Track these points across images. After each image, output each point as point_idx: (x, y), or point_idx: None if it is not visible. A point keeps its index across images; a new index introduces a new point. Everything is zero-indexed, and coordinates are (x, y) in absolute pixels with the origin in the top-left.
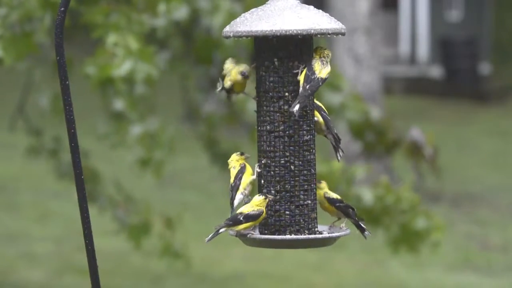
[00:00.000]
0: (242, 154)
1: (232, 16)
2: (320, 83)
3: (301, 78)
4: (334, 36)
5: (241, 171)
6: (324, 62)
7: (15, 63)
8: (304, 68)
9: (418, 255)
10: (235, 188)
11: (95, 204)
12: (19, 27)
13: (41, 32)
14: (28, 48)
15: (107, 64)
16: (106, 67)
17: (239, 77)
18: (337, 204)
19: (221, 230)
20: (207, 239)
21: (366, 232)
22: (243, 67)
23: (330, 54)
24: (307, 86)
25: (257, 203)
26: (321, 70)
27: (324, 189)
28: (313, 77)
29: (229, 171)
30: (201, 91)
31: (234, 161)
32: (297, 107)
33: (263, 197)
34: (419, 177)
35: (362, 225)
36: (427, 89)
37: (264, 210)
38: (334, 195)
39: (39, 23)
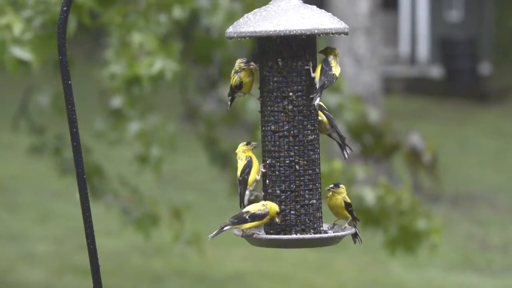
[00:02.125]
0: (248, 143)
1: (231, 15)
2: (334, 80)
3: (317, 72)
4: (337, 36)
5: (248, 165)
6: (338, 61)
7: (40, 66)
8: (314, 64)
9: (415, 256)
10: (243, 182)
11: (101, 201)
12: (43, 29)
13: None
14: (51, 50)
15: (134, 63)
16: (134, 66)
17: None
18: (350, 209)
19: (225, 228)
20: (210, 235)
21: (357, 239)
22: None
23: (339, 55)
24: (325, 81)
25: (268, 205)
26: (336, 68)
27: (343, 194)
28: (330, 73)
29: (235, 163)
30: (201, 91)
31: (241, 152)
32: (318, 100)
33: (276, 212)
34: (417, 184)
35: (357, 231)
36: (427, 89)
37: (271, 212)
38: (349, 200)
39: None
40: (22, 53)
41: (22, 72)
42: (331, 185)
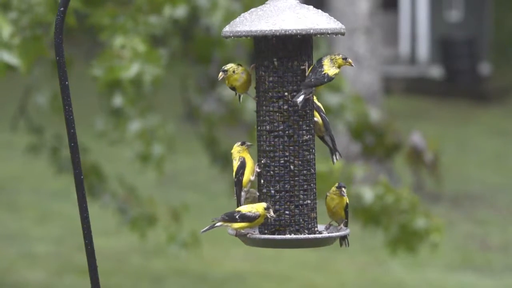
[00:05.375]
0: (243, 143)
1: (231, 15)
2: (325, 80)
3: (308, 70)
4: (334, 36)
5: (242, 166)
6: (334, 63)
7: (29, 69)
8: (310, 64)
9: (416, 255)
10: (238, 184)
11: (97, 201)
12: (29, 31)
13: (51, 37)
14: (39, 52)
15: (114, 66)
16: (113, 69)
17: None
18: (346, 210)
19: (217, 224)
20: (202, 230)
21: (345, 242)
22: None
23: (341, 62)
24: (312, 78)
25: (258, 208)
26: (330, 68)
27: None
28: (320, 70)
29: (231, 164)
30: (201, 91)
31: (235, 153)
32: (301, 98)
33: (264, 208)
34: (418, 183)
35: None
36: (427, 89)
37: (262, 215)
38: (348, 200)
39: (48, 28)
40: (10, 58)
41: (10, 75)
42: (343, 188)
